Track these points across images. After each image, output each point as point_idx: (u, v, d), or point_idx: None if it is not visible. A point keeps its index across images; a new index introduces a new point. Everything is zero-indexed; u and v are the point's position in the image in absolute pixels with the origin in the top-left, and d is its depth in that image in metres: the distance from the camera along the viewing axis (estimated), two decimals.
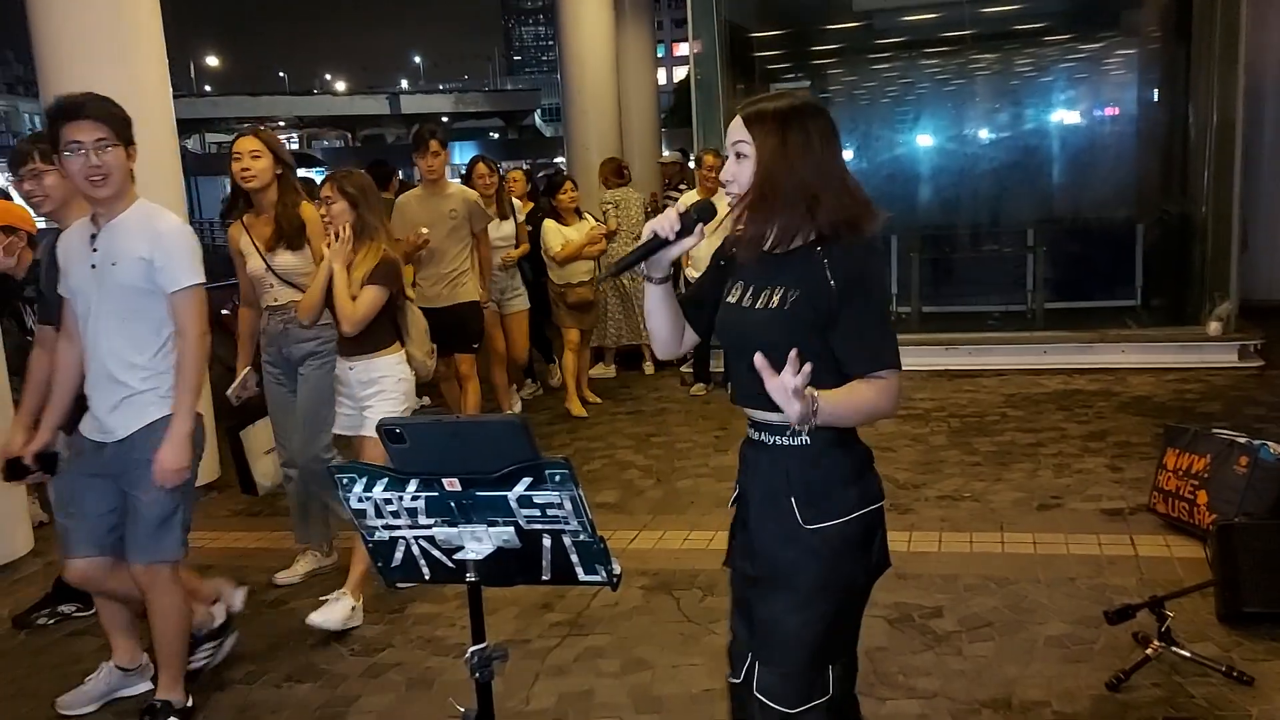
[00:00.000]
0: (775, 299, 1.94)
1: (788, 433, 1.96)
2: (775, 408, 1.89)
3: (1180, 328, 7.51)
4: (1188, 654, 3.10)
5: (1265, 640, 3.26)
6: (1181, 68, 8.19)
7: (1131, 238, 8.98)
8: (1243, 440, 4.04)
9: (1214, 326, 7.09)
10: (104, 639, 3.59)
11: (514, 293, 6.69)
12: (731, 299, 2.05)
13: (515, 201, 6.86)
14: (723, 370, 7.28)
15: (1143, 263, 8.91)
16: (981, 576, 3.91)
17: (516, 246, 6.72)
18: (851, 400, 1.85)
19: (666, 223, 1.98)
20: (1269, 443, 3.94)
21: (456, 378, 6.00)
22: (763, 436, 2.02)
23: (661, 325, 2.13)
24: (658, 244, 2.00)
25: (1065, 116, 10.12)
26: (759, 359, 1.71)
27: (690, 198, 6.98)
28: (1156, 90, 9.26)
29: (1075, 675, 3.15)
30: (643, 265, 2.04)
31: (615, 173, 8.18)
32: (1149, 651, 3.10)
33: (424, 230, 5.47)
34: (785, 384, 1.70)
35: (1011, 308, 8.97)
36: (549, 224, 6.75)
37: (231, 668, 3.57)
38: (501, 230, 6.52)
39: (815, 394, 1.75)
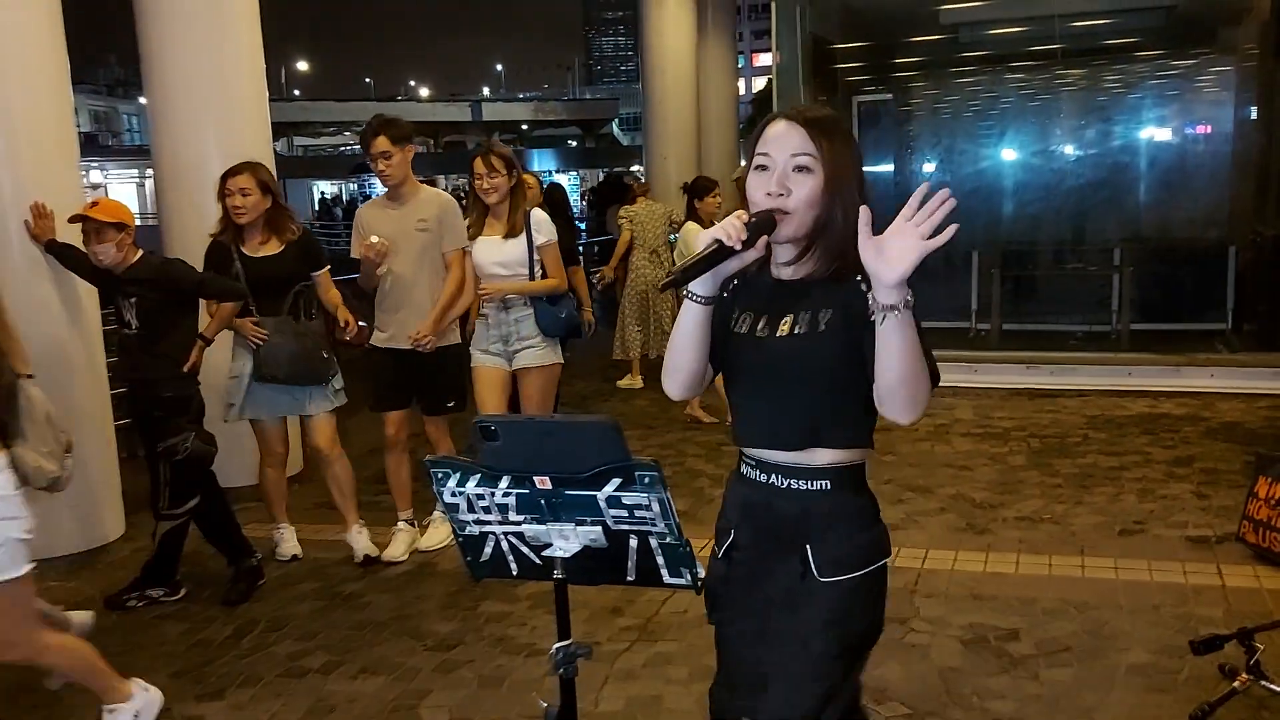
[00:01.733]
0: (802, 325, 1.77)
1: (802, 476, 1.81)
2: (792, 445, 1.80)
3: (1274, 354, 7.29)
4: (1277, 689, 3.00)
5: None
6: None
7: (1223, 259, 8.74)
8: None
9: None
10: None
11: (524, 342, 4.45)
12: (742, 330, 1.84)
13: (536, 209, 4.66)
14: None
15: (1235, 285, 8.67)
16: (1060, 600, 3.83)
17: (532, 276, 4.41)
18: (917, 341, 1.63)
19: (734, 230, 1.71)
20: None
21: (413, 442, 4.56)
22: (774, 480, 1.84)
23: (693, 357, 1.83)
24: (725, 253, 1.72)
25: (1155, 134, 9.89)
26: (864, 215, 1.57)
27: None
28: (1253, 109, 8.99)
29: (1158, 706, 3.07)
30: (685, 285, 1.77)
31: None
32: (1236, 684, 3.01)
33: (374, 239, 4.23)
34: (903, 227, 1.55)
35: (1096, 328, 8.78)
36: (691, 226, 6.82)
37: (308, 658, 3.66)
38: (505, 251, 4.39)
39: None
